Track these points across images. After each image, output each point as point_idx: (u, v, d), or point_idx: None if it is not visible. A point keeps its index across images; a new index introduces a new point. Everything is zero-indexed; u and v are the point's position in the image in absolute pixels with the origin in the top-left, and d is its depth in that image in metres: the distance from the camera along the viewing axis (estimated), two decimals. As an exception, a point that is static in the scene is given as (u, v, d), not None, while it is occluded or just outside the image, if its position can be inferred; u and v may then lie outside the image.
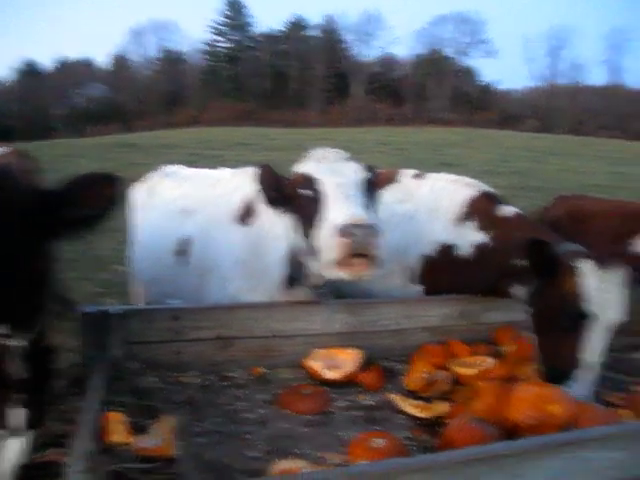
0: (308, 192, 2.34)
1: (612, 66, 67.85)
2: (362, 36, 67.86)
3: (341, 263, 2.14)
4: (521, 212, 2.92)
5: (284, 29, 68.89)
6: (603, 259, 2.30)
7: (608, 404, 2.32)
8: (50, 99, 60.25)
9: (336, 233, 2.08)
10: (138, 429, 1.93)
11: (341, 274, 2.18)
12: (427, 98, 62.92)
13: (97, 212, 1.77)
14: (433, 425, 2.16)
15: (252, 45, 69.01)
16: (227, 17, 68.49)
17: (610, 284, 2.22)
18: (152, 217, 3.43)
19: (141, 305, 3.44)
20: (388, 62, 69.84)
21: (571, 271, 2.27)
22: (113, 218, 1.81)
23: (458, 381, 2.46)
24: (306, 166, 2.44)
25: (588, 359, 2.22)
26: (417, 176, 3.29)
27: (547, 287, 2.37)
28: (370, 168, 2.50)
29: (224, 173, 3.35)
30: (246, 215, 2.87)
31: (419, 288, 3.05)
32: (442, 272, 2.94)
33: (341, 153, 2.49)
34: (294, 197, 2.40)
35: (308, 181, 2.36)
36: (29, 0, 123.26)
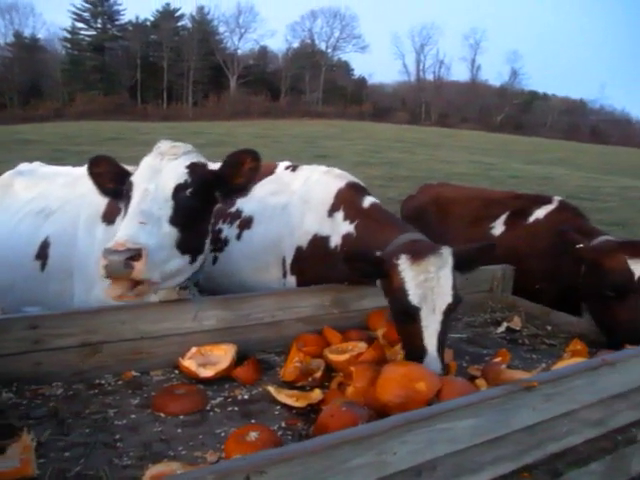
0: (127, 193, 2.34)
1: (472, 64, 73.04)
2: (235, 28, 67.19)
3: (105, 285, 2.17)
4: (378, 203, 3.04)
5: (154, 19, 66.28)
6: (424, 249, 2.45)
7: (469, 376, 2.51)
8: None
9: (100, 255, 2.10)
10: (-7, 451, 1.77)
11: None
12: (302, 91, 63.83)
13: None
14: (309, 413, 2.21)
15: (119, 34, 65.62)
16: (90, 3, 64.45)
17: (428, 274, 2.36)
18: (5, 219, 3.16)
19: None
20: (263, 55, 69.87)
21: (393, 268, 2.42)
22: None
23: (332, 368, 2.52)
24: (144, 160, 2.43)
25: (429, 344, 2.36)
26: (291, 168, 3.32)
27: (384, 283, 2.54)
28: (199, 167, 2.47)
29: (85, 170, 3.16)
30: (110, 213, 2.74)
31: (293, 279, 3.09)
32: (314, 262, 3.00)
33: (182, 147, 2.47)
34: (125, 192, 2.38)
35: (128, 182, 2.36)
36: None
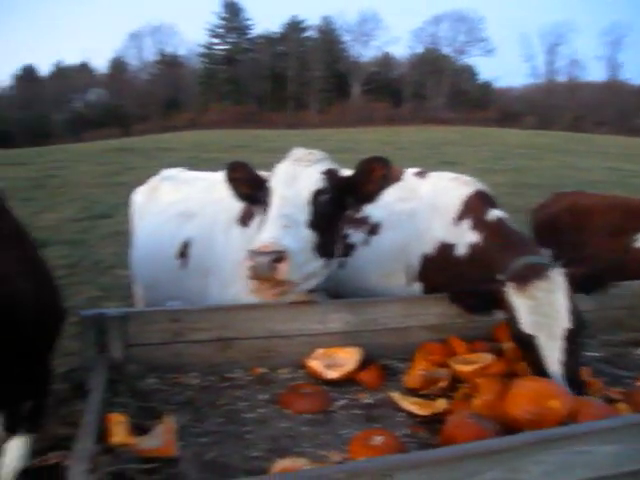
0: (266, 199, 2.44)
1: (610, 62, 67.79)
2: (359, 36, 67.91)
3: (249, 284, 2.25)
4: (505, 217, 2.91)
5: (282, 31, 68.96)
6: (531, 273, 2.33)
7: (607, 399, 2.33)
8: (49, 104, 60.24)
9: (246, 255, 2.18)
10: (139, 430, 1.93)
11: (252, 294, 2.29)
12: (426, 97, 63.01)
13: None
14: (432, 422, 2.17)
15: (250, 47, 69.08)
16: (224, 19, 68.55)
17: (539, 299, 2.25)
18: (152, 220, 3.44)
19: (140, 307, 3.45)
20: (386, 62, 69.93)
21: (504, 297, 2.36)
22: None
23: (457, 378, 2.46)
24: (280, 167, 2.52)
25: (551, 370, 2.24)
26: (419, 174, 3.29)
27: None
28: (334, 174, 2.54)
29: (222, 176, 3.36)
30: (246, 217, 2.89)
31: (419, 286, 3.05)
32: (439, 270, 2.95)
33: (316, 155, 2.55)
34: (263, 197, 2.49)
35: (266, 188, 2.46)
36: (25, 5, 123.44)
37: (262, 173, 2.64)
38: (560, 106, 61.74)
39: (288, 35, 67.08)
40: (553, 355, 2.24)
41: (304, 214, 2.36)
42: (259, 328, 2.54)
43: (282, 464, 1.84)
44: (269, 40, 68.27)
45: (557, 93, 64.56)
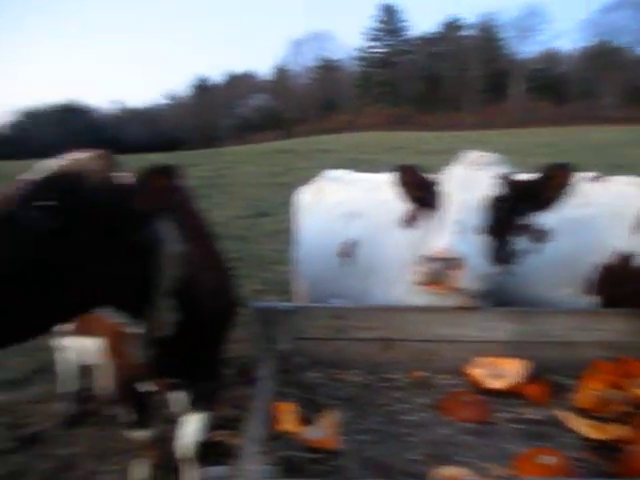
0: (439, 203, 2.40)
1: None
2: (522, 32, 64.34)
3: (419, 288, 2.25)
4: None
5: (439, 31, 67.85)
6: None
7: None
8: (219, 111, 65.51)
9: (419, 259, 2.16)
10: (305, 421, 2.02)
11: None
12: (595, 94, 57.95)
13: (158, 205, 1.82)
14: (606, 449, 1.99)
15: (406, 49, 68.97)
16: (381, 22, 69.19)
17: None
18: (317, 219, 3.58)
19: (306, 303, 3.59)
20: (551, 58, 65.57)
21: None
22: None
23: (638, 404, 2.24)
24: (453, 170, 2.47)
25: None
26: (595, 178, 3.05)
27: None
28: (510, 179, 2.43)
29: (386, 177, 3.39)
30: (410, 219, 2.89)
31: (593, 299, 2.82)
32: (618, 282, 2.70)
33: (493, 157, 2.48)
34: (433, 200, 2.46)
35: (439, 192, 2.42)
36: (199, 20, 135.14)
37: (430, 176, 2.62)
38: None
39: (445, 35, 65.80)
40: None
41: (480, 220, 2.30)
42: (422, 331, 2.52)
43: (444, 471, 1.81)
44: (426, 41, 67.56)
45: None
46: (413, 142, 28.88)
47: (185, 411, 2.45)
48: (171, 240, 1.96)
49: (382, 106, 60.45)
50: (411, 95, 64.19)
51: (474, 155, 2.50)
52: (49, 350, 4.54)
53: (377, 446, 2.01)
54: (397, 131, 40.95)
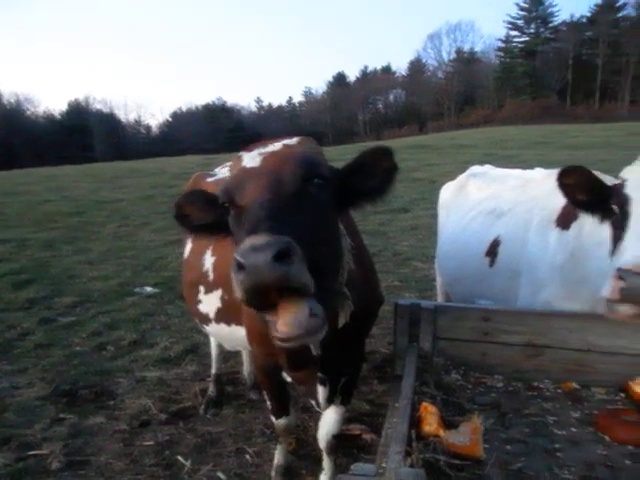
0: (624, 208, 2.12)
1: None
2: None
3: (609, 303, 1.96)
4: None
5: (590, 14, 62.73)
6: None
7: None
8: (355, 107, 66.33)
9: (613, 272, 1.90)
10: (446, 424, 1.96)
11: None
12: None
13: (379, 182, 1.85)
14: None
15: (552, 37, 64.69)
16: (525, 10, 65.52)
17: None
18: (460, 217, 3.46)
19: (451, 302, 3.49)
20: None
21: None
22: (390, 192, 1.85)
23: None
24: (632, 171, 2.20)
25: None
26: None
27: None
28: None
29: (536, 174, 3.19)
30: (565, 219, 2.68)
31: None
32: None
33: None
34: (608, 206, 2.21)
35: (621, 196, 2.14)
36: (334, 17, 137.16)
37: (599, 177, 2.38)
38: None
39: (598, 18, 60.54)
40: None
41: None
42: (575, 339, 2.33)
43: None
44: (575, 26, 62.76)
45: None
46: (559, 135, 27.02)
47: (325, 404, 2.49)
48: (343, 233, 2.02)
49: (524, 99, 57.31)
50: (556, 85, 60.15)
51: None
52: (197, 334, 4.90)
53: (524, 458, 1.89)
54: (541, 124, 38.59)
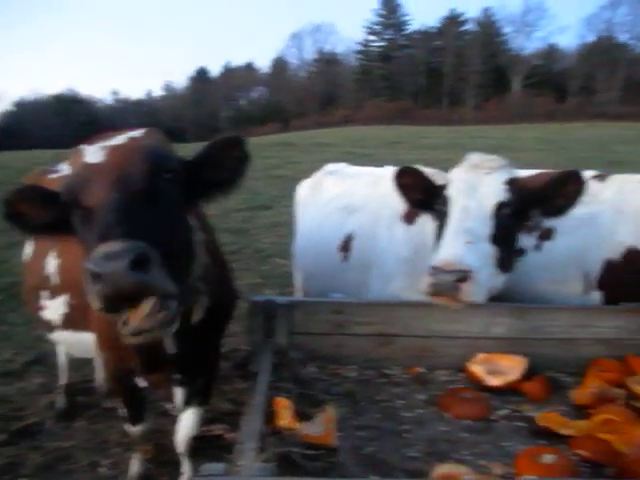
0: (440, 207, 2.34)
1: None
2: (522, 27, 64.18)
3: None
4: None
5: (439, 25, 67.64)
6: None
7: None
8: (217, 103, 65.33)
9: (427, 270, 2.08)
10: (302, 416, 2.00)
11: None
12: (595, 91, 57.87)
13: (230, 173, 1.85)
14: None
15: (406, 43, 68.74)
16: (382, 16, 68.92)
17: None
18: (315, 213, 3.55)
19: (305, 297, 3.56)
20: (551, 53, 65.43)
21: None
22: (242, 182, 1.86)
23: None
24: (456, 173, 2.41)
25: None
26: (598, 177, 3.03)
27: None
28: (517, 184, 2.37)
29: (386, 172, 3.36)
30: (410, 214, 2.85)
31: (598, 295, 2.81)
32: (626, 279, 2.68)
33: (497, 161, 2.40)
34: (435, 204, 2.41)
35: (442, 197, 2.35)
36: (197, 10, 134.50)
37: (432, 174, 2.57)
38: None
39: (446, 29, 65.51)
40: None
41: (487, 228, 2.24)
42: (420, 327, 2.49)
43: (442, 469, 1.79)
44: (426, 35, 67.29)
45: None
46: (412, 136, 28.81)
47: (182, 406, 2.42)
48: (196, 227, 1.96)
49: (382, 100, 60.27)
50: (411, 89, 64.01)
51: (479, 158, 2.43)
52: (43, 343, 4.53)
53: (374, 443, 1.99)
54: (397, 125, 40.86)
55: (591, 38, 61.87)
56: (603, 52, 58.51)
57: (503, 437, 2.06)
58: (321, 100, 63.84)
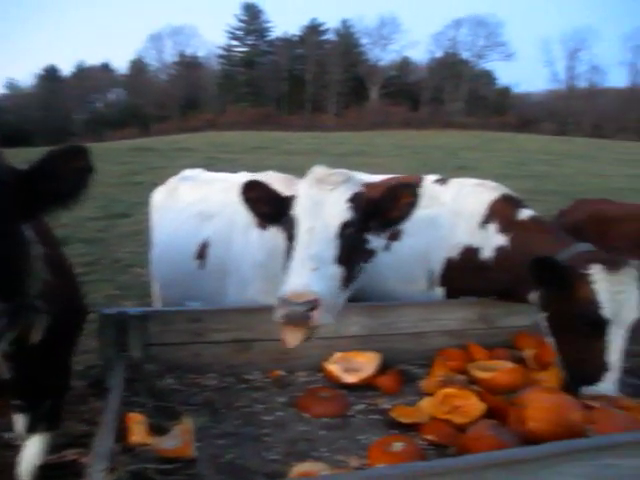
0: (290, 228, 2.33)
1: (633, 68, 66.80)
2: (378, 40, 67.86)
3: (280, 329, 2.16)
4: (539, 216, 2.90)
5: (301, 33, 69.18)
6: (614, 260, 2.29)
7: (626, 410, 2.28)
8: (70, 104, 61.07)
9: (277, 301, 2.08)
10: (157, 430, 1.93)
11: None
12: (444, 101, 62.78)
13: (71, 185, 1.73)
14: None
15: (269, 49, 69.44)
16: (243, 22, 68.97)
17: (622, 285, 2.22)
18: (171, 220, 3.46)
19: (160, 307, 3.46)
20: (404, 66, 69.77)
21: (582, 278, 2.27)
22: (85, 195, 1.75)
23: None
24: (301, 188, 2.40)
25: (612, 360, 2.22)
26: (440, 181, 3.28)
27: (561, 295, 2.35)
28: (359, 199, 2.39)
29: (241, 178, 3.36)
30: None
31: (441, 291, 3.03)
32: (464, 275, 2.93)
33: (342, 175, 2.41)
34: (283, 218, 2.39)
35: (290, 217, 2.34)
36: (48, 6, 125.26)
37: (279, 190, 2.56)
38: (580, 112, 61.12)
39: (307, 38, 67.22)
40: (618, 343, 2.24)
41: (332, 250, 2.25)
42: (278, 330, 2.51)
43: (300, 468, 1.82)
44: (288, 43, 68.51)
45: (577, 99, 63.83)
46: (276, 142, 29.17)
47: (26, 434, 2.22)
48: (33, 240, 1.80)
49: (245, 105, 60.26)
50: (274, 96, 64.73)
51: (322, 172, 2.43)
52: None
53: (234, 449, 1.98)
54: (261, 131, 41.08)
55: (439, 54, 67.10)
56: (449, 67, 63.66)
57: (359, 431, 2.15)
58: (183, 104, 62.27)
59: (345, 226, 2.30)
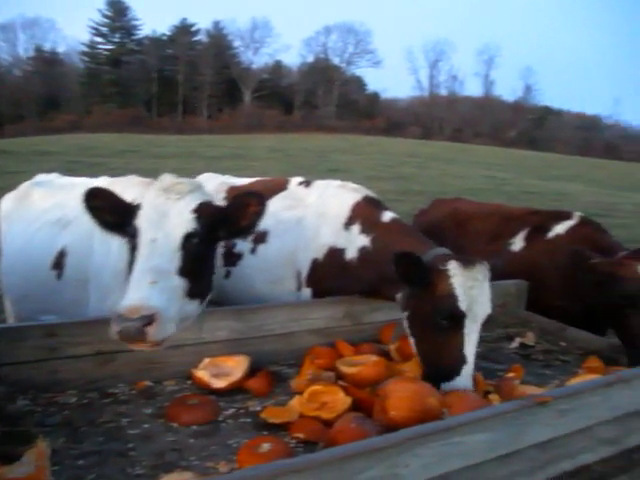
0: (133, 238, 2.25)
1: (485, 79, 73.10)
2: (250, 43, 67.96)
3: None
4: (399, 217, 3.06)
5: (171, 33, 67.28)
6: (468, 258, 2.47)
7: (482, 392, 2.49)
8: None
9: (112, 317, 2.01)
10: (6, 458, 1.78)
11: None
12: (315, 105, 64.27)
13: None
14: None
15: (137, 48, 66.71)
16: (108, 18, 65.65)
17: (475, 282, 2.38)
18: (22, 229, 3.21)
19: (10, 323, 3.19)
20: (277, 69, 70.54)
21: (441, 273, 2.41)
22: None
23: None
24: (147, 198, 2.31)
25: (468, 354, 2.37)
26: (304, 183, 3.35)
27: (420, 292, 2.48)
28: (205, 209, 2.33)
29: (102, 181, 3.20)
30: None
31: (309, 291, 3.10)
32: (330, 275, 3.01)
33: (189, 185, 2.35)
34: (127, 228, 2.30)
35: (133, 227, 2.25)
36: None
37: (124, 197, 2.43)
38: (441, 118, 65.66)
39: (177, 38, 65.52)
40: (473, 336, 2.38)
41: (174, 262, 2.17)
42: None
43: (168, 479, 1.78)
44: (157, 42, 66.31)
45: (439, 106, 68.49)
46: (146, 145, 28.11)
47: None
48: None
49: (112, 106, 57.34)
50: (143, 96, 62.32)
51: (169, 180, 2.35)
52: None
53: (96, 469, 1.87)
54: (130, 133, 39.36)
55: (310, 58, 68.65)
56: (320, 72, 65.30)
57: (230, 436, 2.13)
58: (41, 103, 57.82)
59: (189, 237, 2.22)
